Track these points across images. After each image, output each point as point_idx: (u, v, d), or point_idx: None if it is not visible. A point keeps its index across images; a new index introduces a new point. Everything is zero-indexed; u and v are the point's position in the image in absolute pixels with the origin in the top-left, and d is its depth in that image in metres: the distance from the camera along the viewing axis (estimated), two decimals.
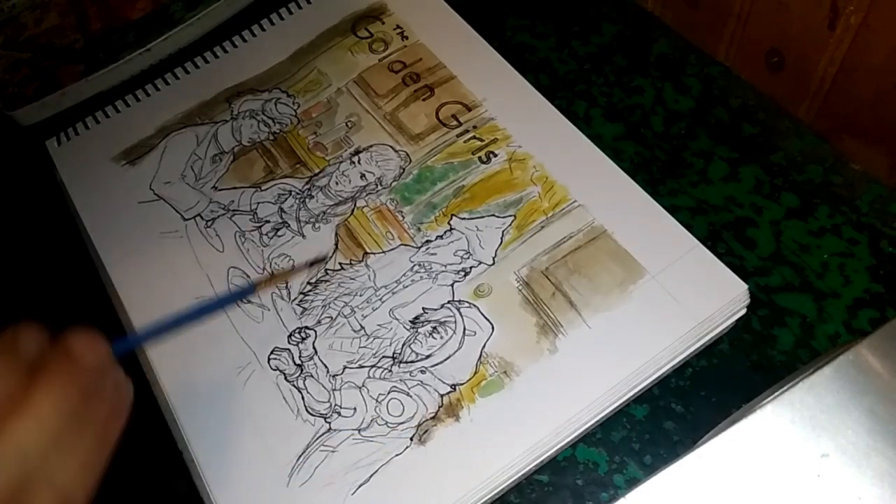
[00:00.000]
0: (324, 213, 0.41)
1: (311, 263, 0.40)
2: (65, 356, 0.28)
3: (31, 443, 0.27)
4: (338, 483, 0.34)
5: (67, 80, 0.49)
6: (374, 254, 0.40)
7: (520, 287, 0.37)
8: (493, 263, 0.38)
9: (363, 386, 0.36)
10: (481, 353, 0.36)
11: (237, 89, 0.47)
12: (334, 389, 0.36)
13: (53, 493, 0.27)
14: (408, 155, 0.43)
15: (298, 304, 0.39)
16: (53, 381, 0.27)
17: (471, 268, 0.38)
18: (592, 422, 0.35)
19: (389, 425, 0.35)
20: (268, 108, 0.46)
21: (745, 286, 0.36)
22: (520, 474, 0.34)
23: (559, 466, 0.36)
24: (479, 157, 0.42)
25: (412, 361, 0.36)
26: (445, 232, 0.40)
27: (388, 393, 0.36)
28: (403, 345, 0.37)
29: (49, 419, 0.27)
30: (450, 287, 0.38)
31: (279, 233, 0.41)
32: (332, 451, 0.34)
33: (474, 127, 0.43)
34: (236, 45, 0.49)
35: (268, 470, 0.34)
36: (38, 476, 0.27)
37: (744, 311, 0.36)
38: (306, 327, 0.38)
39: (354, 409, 0.35)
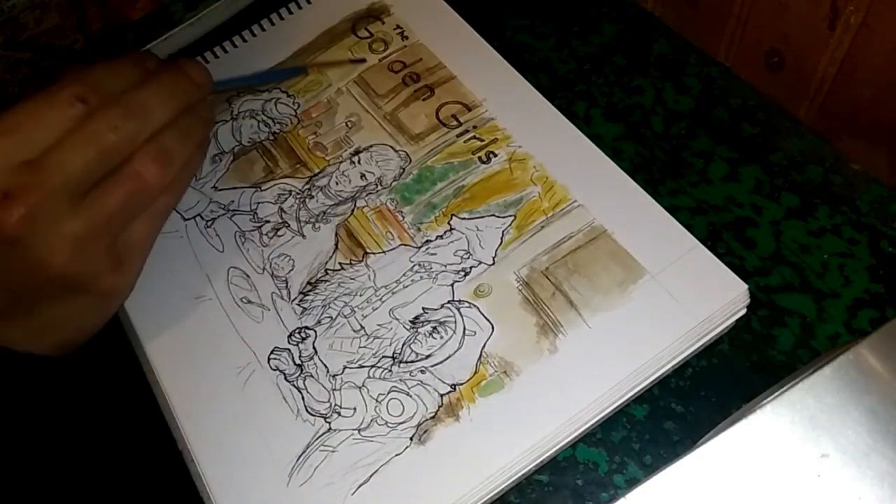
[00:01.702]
0: (324, 213, 0.41)
1: (354, 61, 0.46)
2: (175, 67, 0.35)
3: (145, 104, 0.33)
4: (338, 483, 0.34)
5: None
6: (374, 254, 0.40)
7: (520, 287, 0.37)
8: (493, 263, 0.38)
9: (363, 386, 0.36)
10: (481, 352, 0.36)
11: (237, 89, 0.47)
12: (334, 389, 0.36)
13: (153, 157, 0.33)
14: (408, 155, 0.43)
15: (298, 304, 0.39)
16: (165, 80, 0.34)
17: (471, 268, 0.38)
18: (592, 422, 0.35)
19: (389, 425, 0.35)
20: (268, 108, 0.46)
21: (745, 286, 0.36)
22: (520, 474, 0.34)
23: (559, 466, 0.36)
24: (479, 157, 0.42)
25: (412, 361, 0.36)
26: (445, 232, 0.40)
27: (388, 393, 0.36)
28: (403, 345, 0.37)
29: (161, 104, 0.33)
30: (450, 287, 0.38)
31: (279, 233, 0.41)
32: (332, 451, 0.34)
33: (474, 127, 0.43)
34: (236, 45, 0.49)
35: (268, 470, 0.34)
36: (142, 139, 0.33)
37: (744, 312, 0.36)
38: (306, 327, 0.38)
39: (354, 409, 0.35)
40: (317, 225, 0.41)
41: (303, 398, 0.36)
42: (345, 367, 0.37)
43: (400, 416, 0.35)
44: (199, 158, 0.37)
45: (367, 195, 0.42)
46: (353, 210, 0.41)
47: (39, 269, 0.32)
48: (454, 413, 0.35)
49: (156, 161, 0.33)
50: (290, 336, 0.38)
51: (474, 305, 0.37)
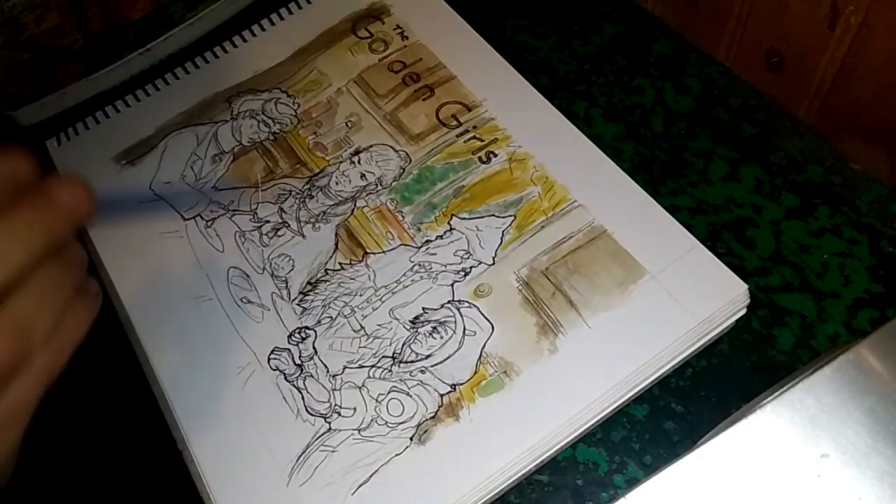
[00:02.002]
0: (324, 213, 0.41)
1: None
2: (42, 195, 0.26)
3: None
4: (338, 483, 0.34)
5: (67, 80, 0.49)
6: (374, 254, 0.40)
7: (520, 287, 0.37)
8: (493, 263, 0.38)
9: (363, 386, 0.36)
10: (481, 352, 0.36)
11: (237, 89, 0.47)
12: (334, 389, 0.36)
13: (4, 335, 0.25)
14: (408, 155, 0.43)
15: (298, 304, 0.39)
16: (17, 223, 0.25)
17: (471, 268, 0.38)
18: (592, 422, 0.35)
19: (389, 425, 0.35)
20: (268, 108, 0.46)
21: (745, 286, 0.36)
22: (520, 474, 0.34)
23: (559, 466, 0.36)
24: (479, 157, 0.42)
25: (412, 361, 0.36)
26: (445, 232, 0.40)
27: (388, 393, 0.36)
28: (403, 345, 0.37)
29: (12, 251, 0.24)
30: (450, 287, 0.38)
31: (279, 233, 0.41)
32: (332, 451, 0.34)
33: (474, 127, 0.43)
34: (236, 45, 0.49)
35: (268, 470, 0.34)
36: None
37: (744, 311, 0.36)
38: (306, 327, 0.38)
39: (354, 409, 0.35)
40: (317, 225, 0.41)
41: (303, 398, 0.36)
42: (345, 367, 0.37)
43: (400, 416, 0.35)
44: (83, 307, 0.28)
45: (367, 195, 0.42)
46: (353, 210, 0.41)
47: None
48: (454, 413, 0.35)
49: (8, 339, 0.25)
50: (290, 336, 0.38)
51: (474, 305, 0.37)
